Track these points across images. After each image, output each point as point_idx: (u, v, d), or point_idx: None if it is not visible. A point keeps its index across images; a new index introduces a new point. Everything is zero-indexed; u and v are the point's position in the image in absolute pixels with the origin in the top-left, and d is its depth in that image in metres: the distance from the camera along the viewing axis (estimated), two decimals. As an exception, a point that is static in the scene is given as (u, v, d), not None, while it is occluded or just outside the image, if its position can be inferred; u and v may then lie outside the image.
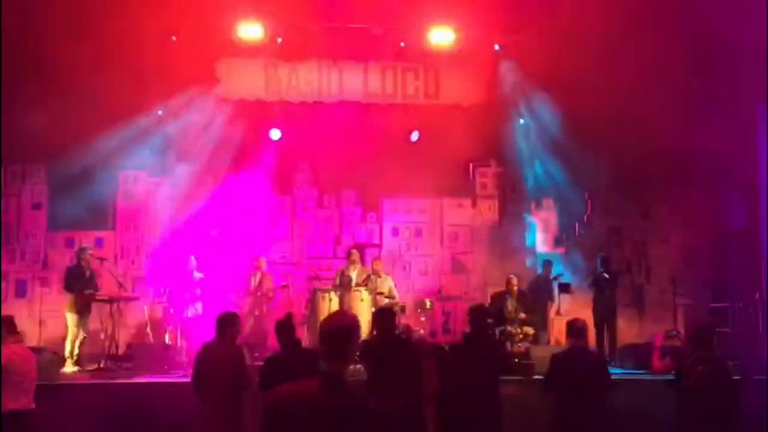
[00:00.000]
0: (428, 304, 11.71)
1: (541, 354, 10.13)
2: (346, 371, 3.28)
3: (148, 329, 11.55)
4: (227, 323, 6.63)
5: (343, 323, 3.38)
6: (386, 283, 11.48)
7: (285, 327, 6.61)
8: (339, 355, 3.28)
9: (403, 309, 11.26)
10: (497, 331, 10.91)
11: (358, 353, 7.91)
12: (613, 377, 6.71)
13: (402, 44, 12.60)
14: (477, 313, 7.00)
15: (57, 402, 7.59)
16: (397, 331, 7.87)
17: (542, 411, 6.74)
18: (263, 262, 11.73)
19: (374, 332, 7.48)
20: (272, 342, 11.42)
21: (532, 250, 13.33)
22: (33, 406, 6.13)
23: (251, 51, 12.53)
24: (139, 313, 11.70)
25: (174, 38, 11.95)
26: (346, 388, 3.23)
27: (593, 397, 6.25)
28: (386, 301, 10.93)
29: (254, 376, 6.51)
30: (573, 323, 6.71)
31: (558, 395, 6.39)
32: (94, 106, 11.63)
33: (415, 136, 13.16)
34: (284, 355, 6.53)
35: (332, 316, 3.53)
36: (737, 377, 5.98)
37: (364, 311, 10.58)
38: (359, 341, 3.35)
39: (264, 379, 6.30)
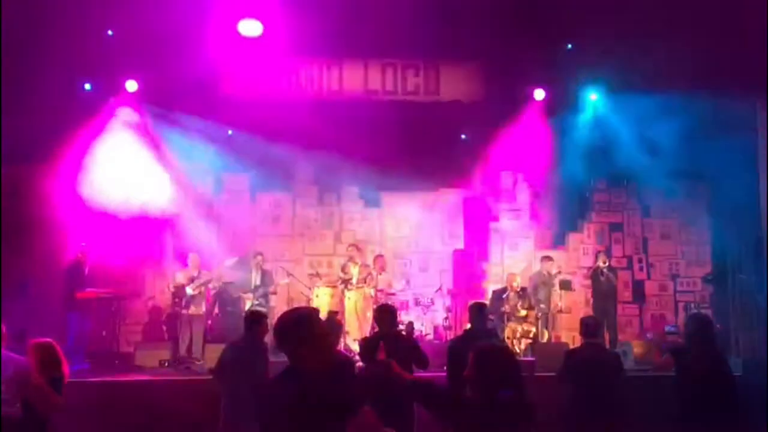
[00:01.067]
0: (429, 300, 11.73)
1: (543, 351, 10.16)
2: (302, 362, 3.38)
3: (149, 327, 11.60)
4: (254, 321, 6.82)
5: (279, 326, 3.47)
6: (387, 280, 11.49)
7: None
8: (289, 352, 3.42)
9: (403, 305, 11.27)
10: (497, 328, 10.94)
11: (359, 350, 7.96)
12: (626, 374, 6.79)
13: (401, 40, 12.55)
14: (477, 310, 7.10)
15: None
16: (399, 328, 7.91)
17: (545, 407, 6.75)
18: (262, 259, 11.75)
19: (375, 329, 7.50)
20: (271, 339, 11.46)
21: (532, 247, 13.34)
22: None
23: (251, 48, 12.49)
24: (141, 310, 11.71)
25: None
26: (298, 378, 3.35)
27: (606, 392, 6.29)
28: (387, 297, 10.93)
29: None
30: (586, 320, 6.81)
31: (571, 391, 6.43)
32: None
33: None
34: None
35: (281, 317, 3.56)
36: (737, 374, 5.98)
37: (364, 308, 10.60)
38: (309, 336, 3.41)
39: None
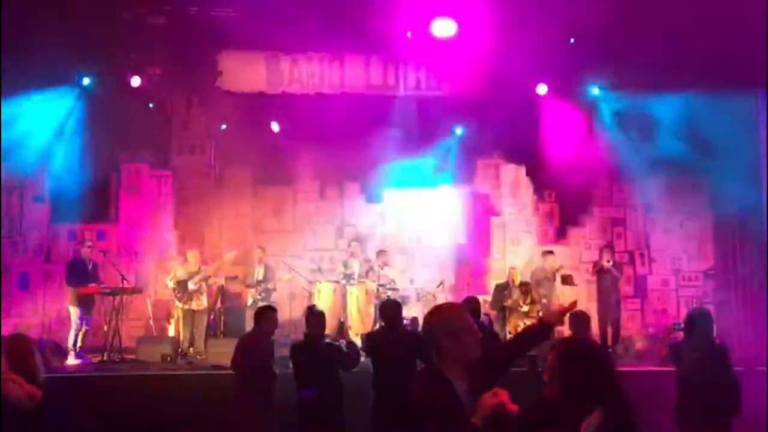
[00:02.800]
0: (430, 295, 11.71)
1: (544, 346, 10.13)
2: None
3: (151, 322, 11.60)
4: (263, 317, 7.11)
5: None
6: (389, 275, 11.48)
7: (315, 319, 6.83)
8: None
9: (405, 301, 11.25)
10: (498, 323, 10.95)
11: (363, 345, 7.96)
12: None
13: (409, 34, 12.50)
14: (468, 307, 7.06)
15: (59, 394, 7.61)
16: (404, 323, 7.87)
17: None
18: (264, 254, 11.73)
19: (378, 325, 7.50)
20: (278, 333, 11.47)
21: (534, 242, 13.32)
22: None
23: (253, 43, 12.48)
24: (142, 305, 11.72)
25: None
26: None
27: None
28: (389, 293, 10.93)
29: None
30: (573, 315, 6.75)
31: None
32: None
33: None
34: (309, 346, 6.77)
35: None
36: (737, 368, 5.96)
37: (366, 303, 10.60)
38: None
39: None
